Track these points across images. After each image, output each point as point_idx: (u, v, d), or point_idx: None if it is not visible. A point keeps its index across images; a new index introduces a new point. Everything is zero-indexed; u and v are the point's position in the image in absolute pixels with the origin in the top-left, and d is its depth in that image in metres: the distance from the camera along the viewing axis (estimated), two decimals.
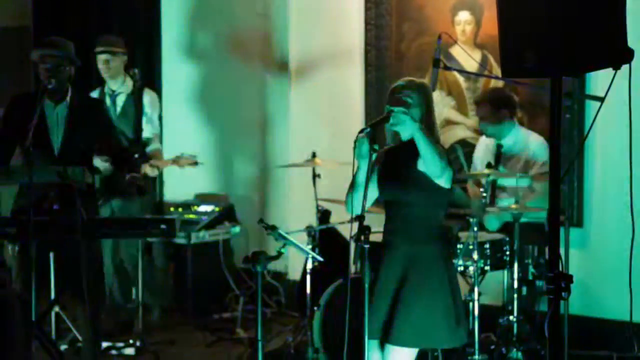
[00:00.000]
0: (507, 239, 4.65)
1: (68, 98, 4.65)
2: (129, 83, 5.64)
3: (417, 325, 3.36)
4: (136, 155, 5.40)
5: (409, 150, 3.41)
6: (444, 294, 3.40)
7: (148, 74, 5.70)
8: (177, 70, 6.68)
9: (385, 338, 3.41)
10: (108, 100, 5.60)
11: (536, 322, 4.90)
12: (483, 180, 4.71)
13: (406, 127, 3.35)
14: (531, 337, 4.80)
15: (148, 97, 5.69)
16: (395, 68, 5.80)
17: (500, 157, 5.02)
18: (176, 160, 5.52)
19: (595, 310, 5.22)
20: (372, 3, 5.85)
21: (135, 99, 5.59)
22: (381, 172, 3.54)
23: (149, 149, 5.65)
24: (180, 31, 6.62)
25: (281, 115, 6.36)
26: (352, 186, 3.46)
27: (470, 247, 4.46)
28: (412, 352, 3.42)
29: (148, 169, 5.46)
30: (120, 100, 5.59)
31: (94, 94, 5.65)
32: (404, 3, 5.79)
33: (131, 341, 5.27)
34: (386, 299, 3.42)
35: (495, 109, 4.95)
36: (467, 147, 5.37)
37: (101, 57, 5.56)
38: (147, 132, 5.63)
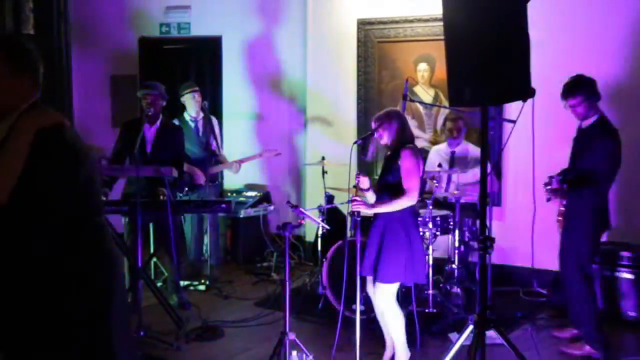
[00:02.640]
0: (452, 213, 4.66)
1: (158, 122, 4.67)
2: (201, 112, 5.52)
3: (392, 267, 3.36)
4: (218, 158, 5.42)
5: (392, 155, 3.44)
6: (410, 247, 3.38)
7: (214, 102, 5.66)
8: (233, 100, 6.64)
9: (374, 278, 3.43)
10: (192, 124, 5.40)
11: (470, 269, 4.92)
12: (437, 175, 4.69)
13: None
14: (467, 279, 4.81)
15: (215, 121, 5.57)
16: (377, 101, 5.81)
17: (454, 161, 5.03)
18: (261, 154, 5.47)
19: (509, 259, 5.24)
20: (362, 58, 5.85)
21: (208, 122, 5.44)
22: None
23: (220, 155, 5.57)
24: (234, 75, 6.62)
25: (301, 130, 6.37)
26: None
27: (427, 219, 4.47)
28: (392, 286, 3.41)
29: (233, 167, 5.39)
30: (200, 124, 5.46)
31: (178, 120, 5.46)
32: (383, 58, 5.78)
33: (202, 281, 5.32)
34: (374, 250, 3.43)
35: (464, 126, 4.99)
36: (424, 153, 5.37)
37: (189, 96, 5.34)
38: (215, 144, 5.54)
